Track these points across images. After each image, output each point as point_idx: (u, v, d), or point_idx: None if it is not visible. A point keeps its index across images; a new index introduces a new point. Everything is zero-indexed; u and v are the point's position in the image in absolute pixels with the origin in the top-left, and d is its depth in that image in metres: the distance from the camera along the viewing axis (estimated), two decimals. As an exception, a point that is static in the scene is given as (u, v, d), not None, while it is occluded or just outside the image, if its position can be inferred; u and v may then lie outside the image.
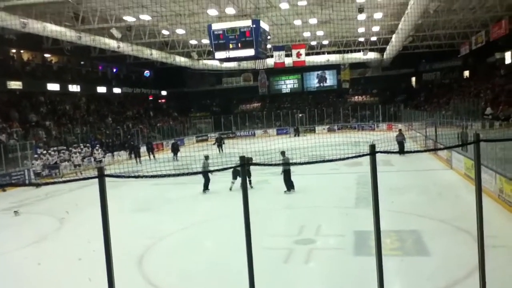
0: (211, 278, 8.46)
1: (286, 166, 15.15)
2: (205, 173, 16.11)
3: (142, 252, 10.05)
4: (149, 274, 8.82)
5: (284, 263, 9.01)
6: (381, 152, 5.09)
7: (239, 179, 14.76)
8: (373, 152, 4.81)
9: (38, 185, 16.83)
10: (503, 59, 36.95)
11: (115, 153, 31.58)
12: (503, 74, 33.49)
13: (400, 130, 25.46)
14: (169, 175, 5.62)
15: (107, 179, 4.78)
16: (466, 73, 46.33)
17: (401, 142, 23.63)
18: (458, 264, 8.04)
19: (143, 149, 31.02)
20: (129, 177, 5.36)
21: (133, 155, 30.03)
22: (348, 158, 5.63)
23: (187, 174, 5.61)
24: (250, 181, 15.86)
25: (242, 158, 5.15)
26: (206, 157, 16.79)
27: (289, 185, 15.88)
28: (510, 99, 26.73)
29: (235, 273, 6.77)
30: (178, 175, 5.50)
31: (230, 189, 16.40)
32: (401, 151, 21.60)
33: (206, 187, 16.79)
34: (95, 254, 7.83)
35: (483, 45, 34.98)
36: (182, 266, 9.19)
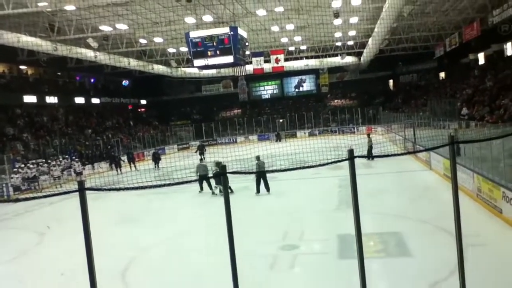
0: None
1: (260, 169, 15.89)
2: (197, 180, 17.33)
3: (126, 264, 9.93)
4: (133, 287, 8.72)
5: (270, 269, 9.03)
6: (359, 156, 5.17)
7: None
8: (351, 157, 4.89)
9: (16, 200, 16.48)
10: (477, 60, 37.79)
11: (96, 164, 31.19)
12: (477, 74, 34.21)
13: (368, 135, 25.78)
14: (151, 186, 5.57)
15: (88, 191, 4.73)
16: (442, 75, 47.15)
17: (370, 147, 23.84)
18: (440, 264, 8.17)
19: (123, 159, 30.74)
20: (110, 189, 5.31)
21: (113, 166, 29.77)
22: (328, 163, 5.69)
23: (169, 185, 5.57)
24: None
25: (222, 167, 5.17)
26: (201, 160, 18.93)
27: (263, 187, 16.51)
28: (483, 98, 27.28)
29: (221, 283, 6.74)
30: (160, 186, 5.47)
31: (213, 192, 17.25)
32: (370, 155, 21.91)
33: (201, 188, 18.09)
34: (78, 268, 7.72)
35: (457, 47, 35.67)
36: (167, 278, 9.09)
